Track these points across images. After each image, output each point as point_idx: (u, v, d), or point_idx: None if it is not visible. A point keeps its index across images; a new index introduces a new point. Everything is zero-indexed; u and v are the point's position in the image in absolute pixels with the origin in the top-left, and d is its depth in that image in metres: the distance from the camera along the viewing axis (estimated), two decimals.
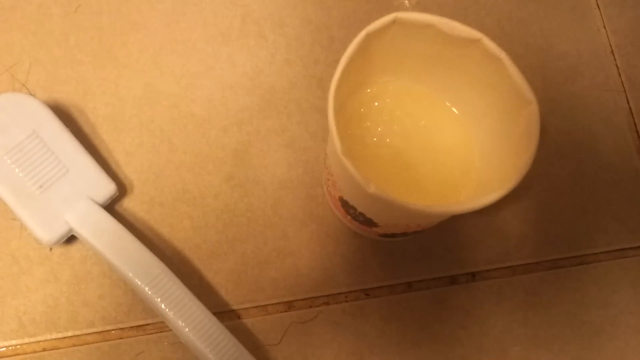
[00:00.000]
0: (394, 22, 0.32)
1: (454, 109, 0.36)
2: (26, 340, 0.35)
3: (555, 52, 0.44)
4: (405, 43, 0.34)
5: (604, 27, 0.45)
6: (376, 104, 0.36)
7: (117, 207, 0.37)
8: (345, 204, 0.35)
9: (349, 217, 0.36)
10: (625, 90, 0.44)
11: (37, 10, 0.40)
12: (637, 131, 0.43)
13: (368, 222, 0.35)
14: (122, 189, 0.37)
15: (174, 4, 0.41)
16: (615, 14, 0.46)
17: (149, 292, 0.33)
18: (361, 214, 0.34)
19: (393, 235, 0.37)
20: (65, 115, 0.38)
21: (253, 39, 0.41)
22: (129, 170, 0.38)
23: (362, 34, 0.31)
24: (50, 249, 0.36)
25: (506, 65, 0.32)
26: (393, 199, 0.28)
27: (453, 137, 0.36)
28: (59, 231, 0.34)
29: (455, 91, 0.36)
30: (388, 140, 0.36)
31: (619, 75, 0.44)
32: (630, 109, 0.44)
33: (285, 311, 0.37)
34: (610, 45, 0.45)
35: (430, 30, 0.32)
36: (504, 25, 0.44)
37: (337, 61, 0.29)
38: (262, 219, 0.38)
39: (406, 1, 0.44)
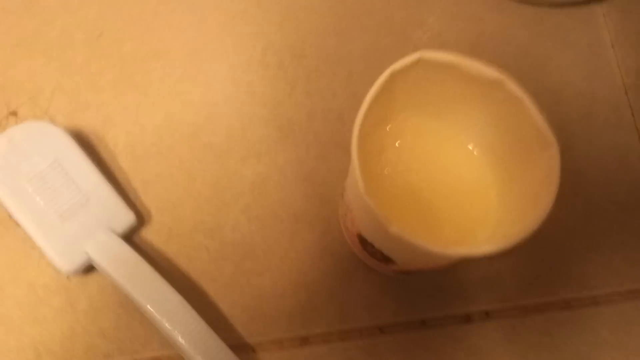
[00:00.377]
0: (418, 61, 0.32)
1: (473, 148, 0.37)
2: None
3: (571, 91, 0.45)
4: (428, 81, 0.34)
5: (618, 67, 0.46)
6: (396, 141, 0.36)
7: (135, 237, 0.37)
8: (363, 241, 0.36)
9: (366, 253, 0.37)
10: (638, 130, 0.45)
11: (59, 36, 0.40)
12: None
13: (385, 260, 0.36)
14: (140, 219, 0.38)
15: (196, 34, 0.42)
16: (631, 54, 0.46)
17: (166, 325, 0.33)
18: (379, 251, 0.35)
19: (409, 273, 0.38)
20: (85, 143, 0.38)
21: (273, 70, 0.42)
22: (147, 199, 0.38)
23: (386, 73, 0.32)
24: (68, 278, 0.36)
25: (527, 107, 0.32)
26: (414, 240, 0.29)
27: (472, 177, 0.37)
28: (78, 261, 0.34)
29: (475, 130, 0.36)
30: (406, 177, 0.36)
31: (632, 115, 0.45)
32: None
33: (300, 346, 0.37)
34: (624, 85, 0.46)
35: (453, 70, 0.33)
36: (520, 62, 0.45)
37: (355, 94, 0.30)
38: (279, 252, 0.38)
39: (423, 35, 0.44)
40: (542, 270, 0.40)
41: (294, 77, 0.42)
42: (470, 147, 0.37)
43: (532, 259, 0.40)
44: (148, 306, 0.34)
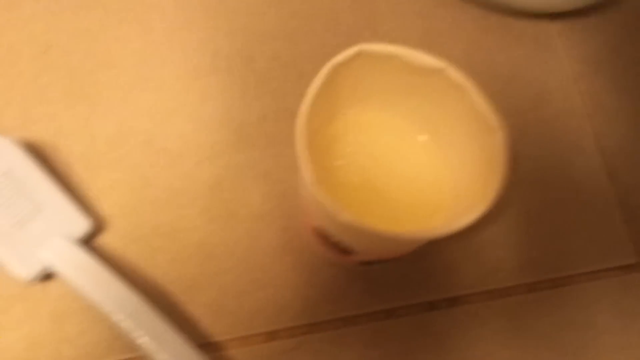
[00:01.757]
0: (359, 54, 0.35)
1: (424, 137, 0.40)
2: None
3: (521, 80, 0.49)
4: (372, 74, 0.37)
5: (567, 56, 0.50)
6: (346, 135, 0.39)
7: (94, 244, 0.40)
8: (320, 233, 0.38)
9: (326, 246, 0.40)
10: (590, 116, 0.49)
11: (7, 52, 0.43)
12: (604, 155, 0.47)
13: (344, 251, 0.38)
14: (98, 226, 0.40)
15: (144, 44, 0.45)
16: (577, 43, 0.51)
17: (128, 326, 0.36)
18: (337, 242, 0.38)
19: (370, 263, 0.41)
20: (38, 154, 0.41)
21: (223, 75, 0.45)
22: (104, 206, 0.41)
23: (328, 66, 0.35)
24: (28, 286, 0.38)
25: (471, 94, 0.35)
26: (366, 226, 0.31)
27: (424, 165, 0.40)
28: (36, 268, 0.37)
29: (423, 120, 0.39)
30: (359, 170, 0.38)
31: (583, 101, 0.49)
32: (595, 134, 0.48)
33: (267, 341, 0.40)
34: (573, 73, 0.50)
35: (395, 61, 0.36)
36: (471, 55, 0.49)
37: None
38: (239, 252, 0.41)
39: (371, 36, 0.48)
40: (504, 255, 0.44)
41: (244, 80, 0.46)
42: (420, 136, 0.40)
43: (493, 244, 0.44)
44: (108, 309, 0.36)
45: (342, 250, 0.38)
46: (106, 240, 0.40)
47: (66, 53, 0.44)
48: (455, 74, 0.35)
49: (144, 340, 0.35)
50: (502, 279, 0.43)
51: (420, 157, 0.40)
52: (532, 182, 0.45)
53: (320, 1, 0.48)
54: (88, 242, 0.39)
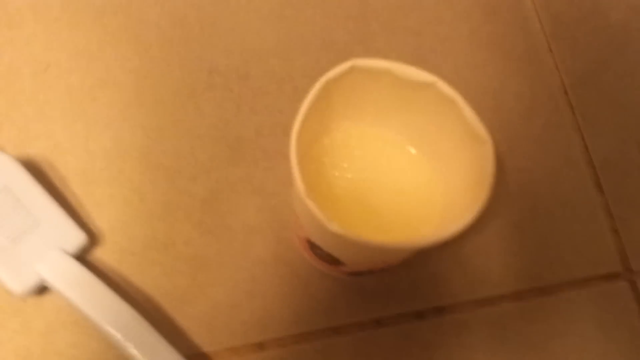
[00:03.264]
0: (351, 69, 0.34)
1: (415, 150, 0.39)
2: None
3: (511, 94, 0.47)
4: (364, 88, 0.36)
5: (557, 69, 0.49)
6: (339, 149, 0.38)
7: (89, 257, 0.39)
8: (312, 245, 0.37)
9: (316, 257, 0.39)
10: (580, 129, 0.47)
11: (7, 70, 0.43)
12: (593, 166, 0.46)
13: (334, 262, 0.37)
14: (94, 240, 0.39)
15: (142, 61, 0.44)
16: (568, 56, 0.49)
17: (121, 339, 0.35)
18: (327, 253, 0.36)
19: (360, 274, 0.40)
20: (36, 170, 0.40)
21: (219, 91, 0.44)
22: (100, 221, 0.40)
23: (321, 81, 0.34)
24: (23, 300, 0.37)
25: (460, 107, 0.34)
26: (355, 237, 0.30)
27: (415, 178, 0.39)
28: (30, 282, 0.36)
29: (415, 133, 0.38)
30: (352, 183, 0.38)
31: (573, 113, 0.48)
32: (585, 145, 0.47)
33: (257, 352, 0.38)
34: (564, 85, 0.48)
35: (387, 76, 0.35)
36: (460, 70, 0.47)
37: None
38: (232, 264, 0.40)
39: (364, 52, 0.47)
40: (492, 265, 0.42)
41: (240, 96, 0.45)
42: (411, 149, 0.39)
43: (481, 254, 0.42)
44: (101, 321, 0.35)
45: (332, 261, 0.37)
46: (101, 254, 0.39)
47: (65, 71, 0.43)
48: (446, 88, 0.34)
49: (135, 352, 0.34)
50: (489, 288, 0.41)
51: (411, 169, 0.39)
52: (521, 194, 0.44)
53: (314, 19, 0.47)
54: (83, 255, 0.38)
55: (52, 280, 0.36)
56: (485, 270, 0.42)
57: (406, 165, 0.39)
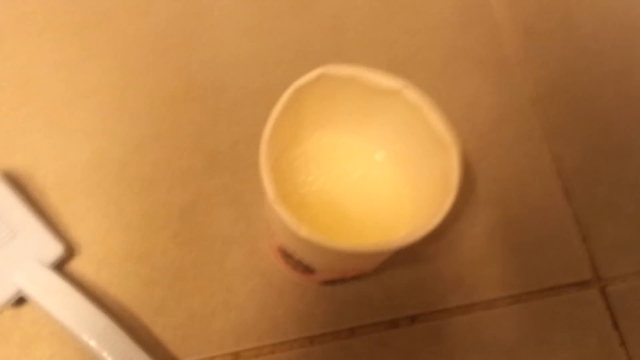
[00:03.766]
0: (321, 76, 0.34)
1: (385, 158, 0.39)
2: None
3: (483, 104, 0.48)
4: (334, 97, 0.36)
5: (526, 80, 0.49)
6: (311, 158, 0.38)
7: (66, 269, 0.39)
8: (284, 253, 0.37)
9: (289, 266, 0.39)
10: (547, 139, 0.47)
11: None
12: (561, 176, 0.46)
13: (307, 270, 0.37)
14: (71, 252, 0.39)
15: (121, 74, 0.44)
16: (536, 68, 0.49)
17: (96, 347, 0.35)
18: (299, 261, 0.36)
19: (332, 282, 0.40)
20: (15, 182, 0.40)
21: (196, 104, 0.44)
22: (77, 233, 0.40)
23: (290, 89, 0.34)
24: (1, 312, 0.37)
25: (425, 113, 0.34)
26: (323, 241, 0.30)
27: (385, 185, 0.39)
28: (8, 292, 0.36)
29: (384, 140, 0.38)
30: (323, 192, 0.38)
31: (541, 124, 0.48)
32: (553, 156, 0.47)
33: None
34: (531, 97, 0.49)
35: (355, 83, 0.35)
36: (433, 81, 0.47)
37: None
38: (208, 274, 0.40)
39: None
40: (464, 273, 0.42)
41: (216, 109, 0.45)
42: (381, 156, 0.39)
43: (454, 263, 0.42)
44: (76, 330, 0.35)
45: (304, 269, 0.37)
46: (79, 265, 0.39)
47: (45, 85, 0.43)
48: (412, 94, 0.34)
49: None
50: (462, 296, 0.42)
51: (381, 176, 0.39)
52: (492, 203, 0.44)
53: (289, 32, 0.47)
54: (61, 266, 0.38)
55: (29, 290, 0.36)
56: (458, 279, 0.42)
57: (376, 172, 0.39)
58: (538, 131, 0.48)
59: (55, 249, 0.37)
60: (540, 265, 0.44)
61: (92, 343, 0.35)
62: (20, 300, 0.37)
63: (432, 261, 0.42)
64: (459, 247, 0.43)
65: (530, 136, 0.47)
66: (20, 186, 0.40)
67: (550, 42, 0.51)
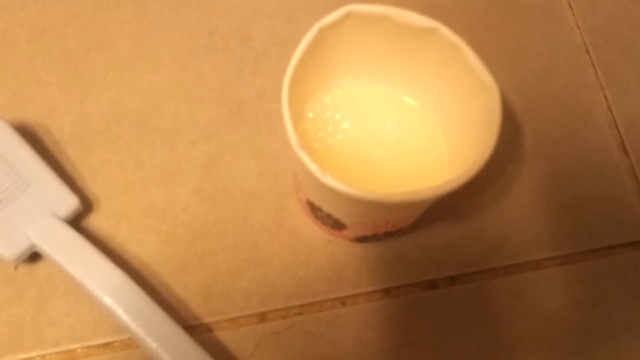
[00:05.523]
0: (348, 15, 0.32)
1: (418, 103, 0.37)
2: None
3: (528, 54, 0.44)
4: (362, 39, 0.34)
5: (577, 27, 0.46)
6: (340, 106, 0.36)
7: (84, 224, 0.37)
8: (312, 207, 0.35)
9: (318, 221, 0.36)
10: (602, 88, 0.44)
11: (3, 35, 0.41)
12: (617, 127, 0.43)
13: (337, 225, 0.35)
14: (89, 206, 0.37)
15: (141, 24, 0.42)
16: (589, 13, 0.46)
17: (110, 303, 0.33)
18: (328, 215, 0.34)
19: (365, 239, 0.37)
20: (31, 135, 0.38)
21: (220, 54, 0.42)
22: (95, 186, 0.38)
23: (314, 28, 0.32)
24: (15, 268, 0.36)
25: (464, 52, 0.32)
26: (348, 189, 0.28)
27: (419, 132, 0.37)
28: (21, 246, 0.34)
29: (417, 85, 0.36)
30: (354, 142, 0.36)
31: (595, 73, 0.45)
32: (608, 106, 0.44)
33: (258, 323, 0.36)
34: (585, 43, 0.45)
35: (386, 23, 0.33)
36: (474, 30, 0.44)
37: None
38: (232, 230, 0.38)
39: None
40: (509, 231, 0.40)
41: (241, 59, 0.42)
42: (414, 103, 0.37)
43: (498, 221, 0.40)
44: (91, 286, 0.33)
45: (334, 224, 0.35)
46: (96, 220, 0.37)
47: (62, 35, 0.41)
48: (448, 33, 0.32)
49: (126, 317, 0.32)
50: (506, 256, 0.39)
51: (415, 124, 0.37)
52: (540, 157, 0.41)
53: None
54: (77, 221, 0.37)
55: (43, 244, 0.34)
56: (502, 237, 0.39)
57: (410, 120, 0.37)
58: (590, 81, 0.44)
59: (70, 202, 0.36)
60: (593, 224, 0.40)
61: (107, 299, 0.33)
62: (34, 256, 0.35)
63: (474, 218, 0.40)
64: (503, 203, 0.40)
65: (581, 86, 0.44)
66: (36, 139, 0.39)
67: None
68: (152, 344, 0.33)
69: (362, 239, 0.37)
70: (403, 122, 0.36)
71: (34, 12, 0.42)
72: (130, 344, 0.35)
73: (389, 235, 0.37)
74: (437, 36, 0.32)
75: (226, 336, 0.36)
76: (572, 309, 0.39)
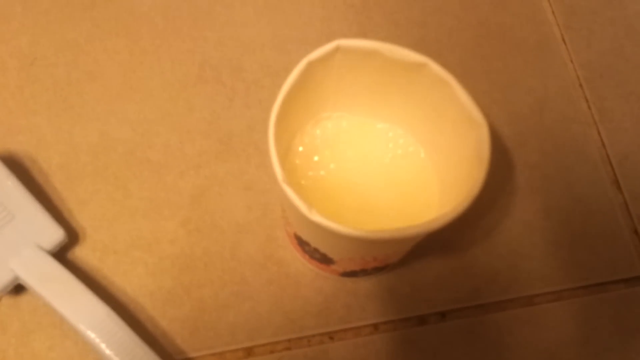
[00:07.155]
0: (337, 49, 0.33)
1: (408, 139, 0.37)
2: None
3: (521, 88, 0.45)
4: (352, 73, 0.35)
5: (571, 61, 0.47)
6: (330, 139, 0.37)
7: (70, 255, 0.38)
8: (300, 241, 0.35)
9: (306, 255, 0.37)
10: (596, 123, 0.45)
11: None
12: (610, 163, 0.43)
13: (325, 260, 0.35)
14: (75, 237, 0.38)
15: (131, 54, 0.43)
16: (583, 47, 0.47)
17: (94, 337, 0.33)
18: (315, 249, 0.35)
19: (354, 273, 0.38)
20: (17, 165, 0.39)
21: (211, 85, 0.43)
22: (82, 218, 0.38)
23: (303, 62, 0.32)
24: None
25: (454, 88, 0.32)
26: (334, 225, 0.29)
27: (409, 168, 0.37)
28: (4, 278, 0.35)
29: (407, 120, 0.37)
30: (343, 176, 0.36)
31: (589, 107, 0.45)
32: (602, 141, 0.44)
33: (245, 358, 0.37)
34: (579, 78, 0.46)
35: (375, 57, 0.33)
36: (467, 63, 0.45)
37: None
38: (220, 263, 0.38)
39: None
40: (501, 267, 0.40)
41: (232, 90, 0.43)
42: (404, 138, 0.37)
43: (489, 255, 0.40)
44: (76, 322, 0.34)
45: (321, 258, 0.36)
46: (83, 252, 0.38)
47: (52, 65, 0.42)
48: (438, 69, 0.32)
49: (109, 352, 0.32)
50: (496, 292, 0.39)
51: (405, 159, 0.38)
52: (532, 192, 0.42)
53: (313, 9, 0.45)
54: (63, 253, 0.37)
55: (27, 277, 0.34)
56: (493, 273, 0.40)
57: (399, 155, 0.37)
58: (584, 115, 0.45)
59: (55, 234, 0.36)
60: (586, 260, 0.41)
61: (90, 333, 0.33)
62: (19, 288, 0.36)
63: (465, 253, 0.40)
64: (495, 238, 0.41)
65: (575, 121, 0.45)
66: (23, 169, 0.39)
67: (595, 20, 0.48)
68: None
69: (350, 274, 0.38)
70: (394, 156, 0.37)
71: (24, 42, 0.43)
72: None
73: (378, 270, 0.37)
74: (426, 71, 0.33)
75: None
76: (564, 346, 0.39)
